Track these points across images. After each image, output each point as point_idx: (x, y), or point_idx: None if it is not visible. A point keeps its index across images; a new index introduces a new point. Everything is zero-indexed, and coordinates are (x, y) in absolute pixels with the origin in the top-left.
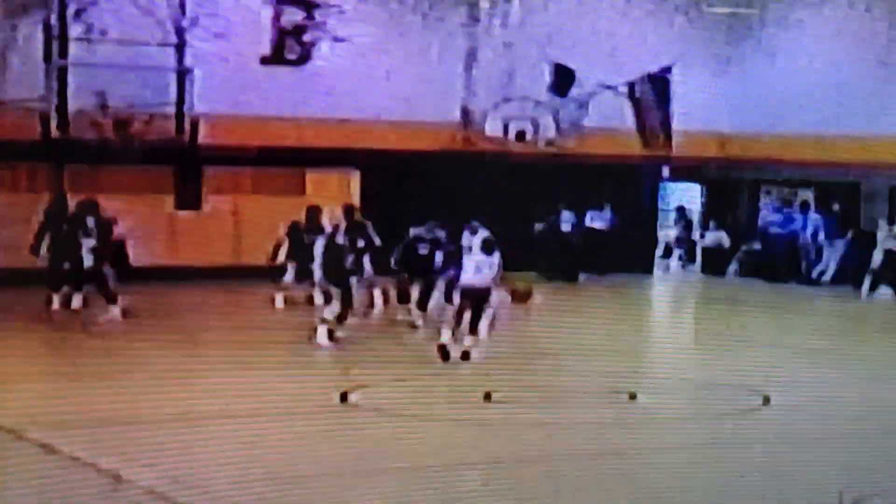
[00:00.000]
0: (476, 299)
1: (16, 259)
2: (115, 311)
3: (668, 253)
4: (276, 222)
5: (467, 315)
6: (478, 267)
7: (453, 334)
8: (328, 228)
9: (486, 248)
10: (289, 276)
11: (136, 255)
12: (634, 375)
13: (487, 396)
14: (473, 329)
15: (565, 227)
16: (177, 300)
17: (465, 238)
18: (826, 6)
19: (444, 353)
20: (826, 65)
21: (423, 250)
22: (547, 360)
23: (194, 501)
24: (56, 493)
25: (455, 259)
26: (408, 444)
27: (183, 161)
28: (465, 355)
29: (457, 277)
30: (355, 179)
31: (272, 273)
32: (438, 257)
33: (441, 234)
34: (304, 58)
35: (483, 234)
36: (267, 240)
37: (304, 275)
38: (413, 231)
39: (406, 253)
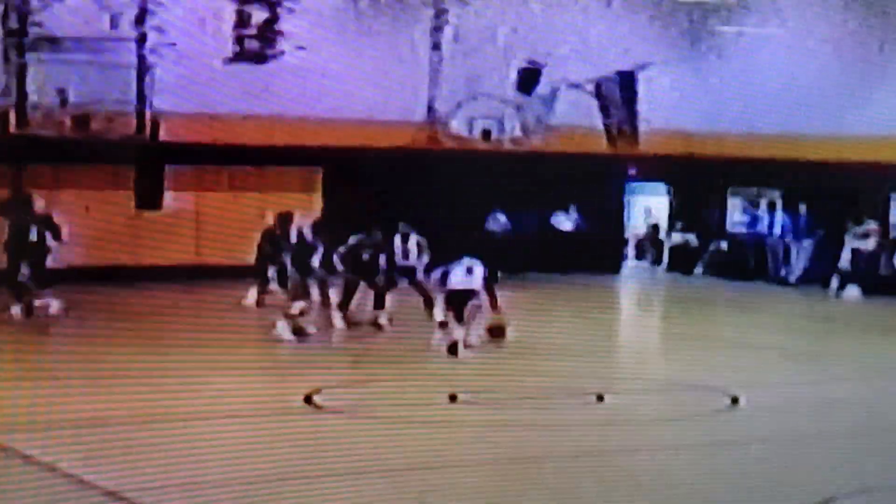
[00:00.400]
0: (462, 301)
1: None
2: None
3: (636, 253)
4: (238, 221)
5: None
6: (468, 269)
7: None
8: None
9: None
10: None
11: (98, 255)
12: (601, 376)
13: (453, 398)
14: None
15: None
16: (139, 300)
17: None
18: (797, 4)
19: (453, 349)
20: (794, 63)
21: (366, 255)
22: (514, 360)
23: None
24: (18, 497)
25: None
26: (373, 445)
27: (144, 159)
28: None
29: (444, 280)
30: (318, 177)
31: (251, 274)
32: (382, 260)
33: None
34: (266, 55)
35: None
36: (229, 239)
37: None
38: (353, 239)
39: (350, 257)
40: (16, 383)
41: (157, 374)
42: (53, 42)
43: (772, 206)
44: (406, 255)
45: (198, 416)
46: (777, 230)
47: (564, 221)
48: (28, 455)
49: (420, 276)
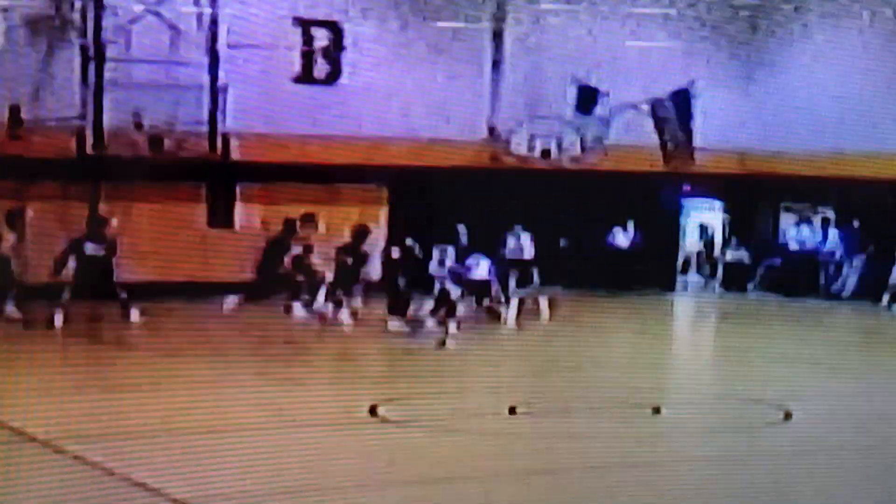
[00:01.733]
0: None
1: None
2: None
3: (689, 269)
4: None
5: None
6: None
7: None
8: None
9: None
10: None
11: (169, 271)
12: (657, 389)
13: (512, 410)
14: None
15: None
16: (209, 315)
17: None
18: (847, 21)
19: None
20: (847, 81)
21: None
22: (571, 374)
23: None
24: None
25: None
26: (434, 456)
27: (215, 178)
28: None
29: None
30: (384, 196)
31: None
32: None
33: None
34: (333, 76)
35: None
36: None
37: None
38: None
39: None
40: (91, 394)
41: (227, 385)
42: (129, 64)
43: (824, 223)
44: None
45: (266, 427)
46: (829, 246)
47: (621, 238)
48: (98, 463)
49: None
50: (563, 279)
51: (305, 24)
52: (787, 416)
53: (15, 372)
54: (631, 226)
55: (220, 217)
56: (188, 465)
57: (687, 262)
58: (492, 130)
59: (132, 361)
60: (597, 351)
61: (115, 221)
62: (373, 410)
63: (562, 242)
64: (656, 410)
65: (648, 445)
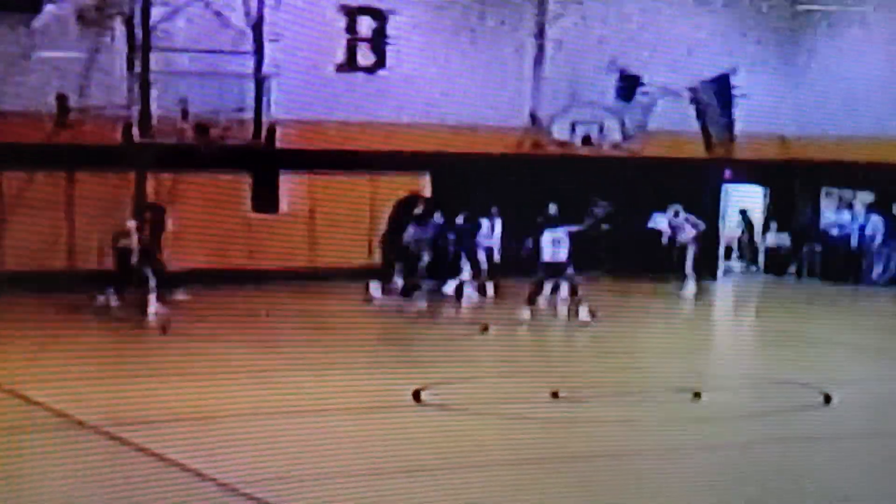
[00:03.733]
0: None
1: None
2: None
3: (730, 254)
4: (350, 224)
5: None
6: (555, 241)
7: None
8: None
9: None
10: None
11: (215, 258)
12: (698, 374)
13: (555, 395)
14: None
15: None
16: (254, 301)
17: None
18: (889, 4)
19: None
20: (890, 65)
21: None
22: (613, 358)
23: (270, 496)
24: (138, 488)
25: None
26: (478, 441)
27: (260, 165)
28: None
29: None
30: (426, 182)
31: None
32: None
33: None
34: (376, 64)
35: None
36: (341, 241)
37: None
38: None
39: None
40: (141, 380)
41: (274, 370)
42: (175, 53)
43: (865, 208)
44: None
45: (311, 412)
46: (869, 231)
47: (662, 224)
48: (147, 448)
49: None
50: (606, 265)
51: (350, 12)
52: (827, 399)
53: (69, 356)
54: (671, 212)
55: (265, 203)
56: (239, 448)
57: (728, 248)
58: (533, 117)
59: (184, 348)
60: (639, 336)
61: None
62: (417, 395)
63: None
64: (697, 395)
65: (689, 430)
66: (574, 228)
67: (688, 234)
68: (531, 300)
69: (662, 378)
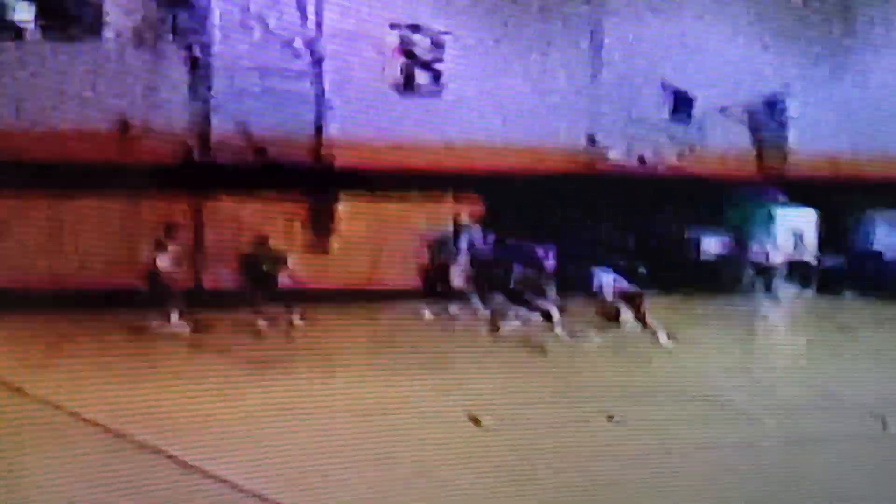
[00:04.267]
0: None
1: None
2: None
3: (784, 275)
4: (409, 244)
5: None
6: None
7: None
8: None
9: None
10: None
11: None
12: (752, 396)
13: (610, 417)
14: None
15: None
16: (314, 321)
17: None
18: None
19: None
20: None
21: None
22: (664, 379)
23: None
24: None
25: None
26: (529, 460)
27: (319, 185)
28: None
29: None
30: (482, 202)
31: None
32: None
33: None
34: (433, 84)
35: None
36: (400, 261)
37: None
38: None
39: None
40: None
41: (334, 388)
42: (234, 73)
43: None
44: None
45: (372, 431)
46: None
47: (714, 244)
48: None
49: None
50: (657, 284)
51: (406, 33)
52: (884, 423)
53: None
54: (723, 230)
55: (322, 223)
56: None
57: (780, 267)
58: (589, 137)
59: (242, 365)
60: (691, 357)
61: None
62: (471, 414)
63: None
64: (750, 417)
65: (745, 454)
66: (621, 283)
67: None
68: (599, 321)
69: (716, 400)
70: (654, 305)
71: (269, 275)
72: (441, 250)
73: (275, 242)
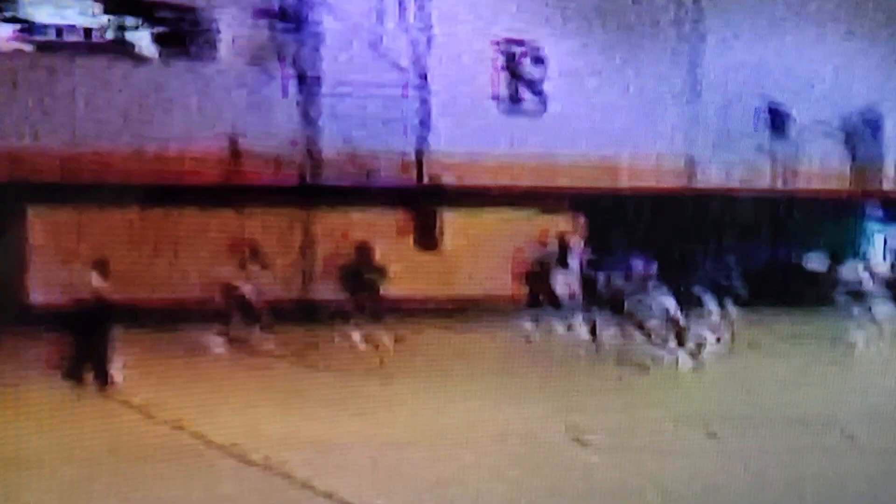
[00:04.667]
0: None
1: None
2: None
3: (881, 290)
4: (512, 260)
5: None
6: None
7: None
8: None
9: None
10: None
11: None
12: (847, 411)
13: (711, 434)
14: None
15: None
16: (418, 336)
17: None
18: None
19: None
20: None
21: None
22: (764, 395)
23: None
24: None
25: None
26: (628, 475)
27: (423, 202)
28: None
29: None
30: (582, 218)
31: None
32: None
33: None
34: (535, 103)
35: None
36: (503, 275)
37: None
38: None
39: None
40: (313, 409)
41: (444, 401)
42: (341, 94)
43: None
44: None
45: (469, 443)
46: None
47: (812, 259)
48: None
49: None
50: (757, 300)
51: (509, 51)
52: None
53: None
54: (821, 246)
55: (426, 238)
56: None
57: (877, 285)
58: (688, 156)
59: (348, 379)
60: (790, 372)
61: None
62: (572, 430)
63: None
64: (844, 433)
65: (841, 467)
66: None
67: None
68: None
69: (812, 415)
70: (752, 323)
71: (371, 287)
72: (543, 265)
73: (378, 255)
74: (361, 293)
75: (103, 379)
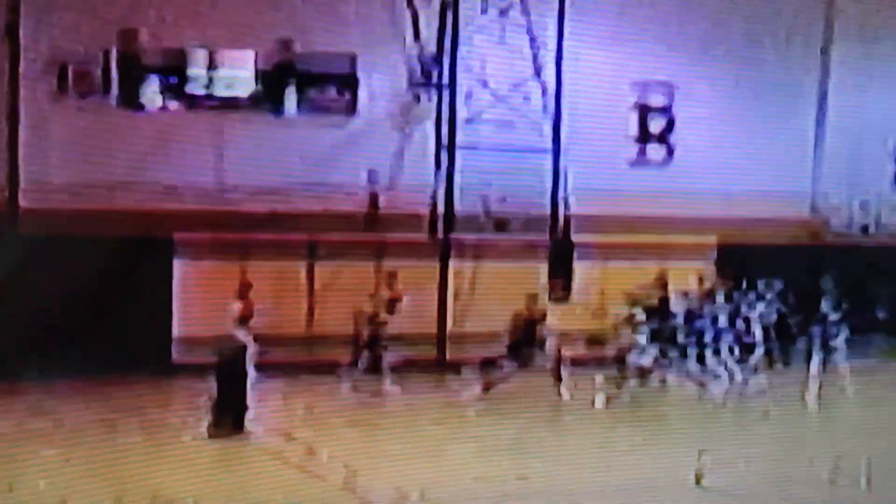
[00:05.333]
0: None
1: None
2: None
3: None
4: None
5: None
6: None
7: None
8: None
9: None
10: None
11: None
12: None
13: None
14: None
15: None
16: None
17: None
18: None
19: None
20: None
21: None
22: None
23: None
24: None
25: None
26: None
27: (556, 256)
28: None
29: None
30: (711, 271)
31: None
32: None
33: None
34: (666, 158)
35: None
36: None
37: None
38: None
39: None
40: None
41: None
42: (476, 149)
43: None
44: None
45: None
46: None
47: None
48: None
49: None
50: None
51: (642, 108)
52: None
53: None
54: None
55: (559, 292)
56: None
57: None
58: (814, 206)
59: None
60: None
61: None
62: (697, 477)
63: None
64: None
65: None
66: None
67: None
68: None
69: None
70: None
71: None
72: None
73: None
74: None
75: (242, 425)
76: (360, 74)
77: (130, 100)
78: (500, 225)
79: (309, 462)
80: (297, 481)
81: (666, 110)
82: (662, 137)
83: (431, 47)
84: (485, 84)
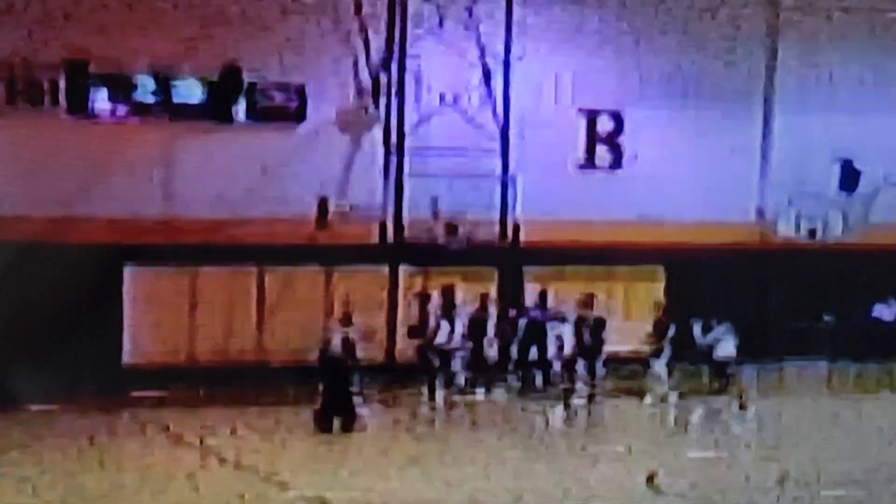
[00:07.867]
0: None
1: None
2: None
3: None
4: None
5: None
6: None
7: None
8: None
9: None
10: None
11: None
12: None
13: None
14: None
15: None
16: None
17: None
18: None
19: None
20: None
21: None
22: (839, 447)
23: None
24: None
25: None
26: None
27: (506, 261)
28: None
29: None
30: (661, 276)
31: None
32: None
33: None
34: (614, 163)
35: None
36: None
37: None
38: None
39: None
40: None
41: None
42: (426, 155)
43: None
44: None
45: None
46: None
47: (885, 312)
48: None
49: None
50: (829, 352)
51: (590, 114)
52: None
53: None
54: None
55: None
56: None
57: None
58: (760, 211)
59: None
60: (871, 423)
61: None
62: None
63: (826, 318)
64: None
65: None
66: None
67: None
68: None
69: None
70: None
71: None
72: None
73: None
74: None
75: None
76: (308, 82)
77: (78, 108)
78: (450, 229)
79: None
80: None
81: (615, 115)
82: (610, 140)
83: (380, 54)
84: (435, 89)
